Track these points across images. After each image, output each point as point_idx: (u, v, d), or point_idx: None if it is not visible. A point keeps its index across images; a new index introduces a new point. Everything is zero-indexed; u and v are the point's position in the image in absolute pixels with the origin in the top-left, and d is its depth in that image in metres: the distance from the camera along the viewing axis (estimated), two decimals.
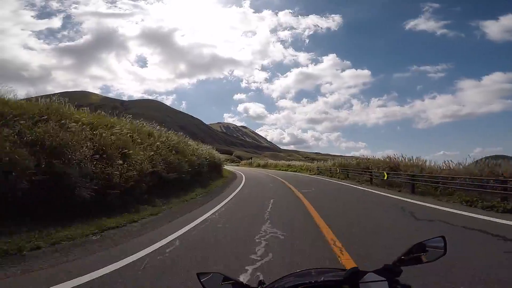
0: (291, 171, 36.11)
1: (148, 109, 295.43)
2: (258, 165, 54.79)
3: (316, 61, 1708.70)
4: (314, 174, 27.95)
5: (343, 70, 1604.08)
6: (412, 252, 1.04)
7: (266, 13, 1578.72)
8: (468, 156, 12.37)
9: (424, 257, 1.04)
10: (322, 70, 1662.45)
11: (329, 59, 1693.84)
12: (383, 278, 0.94)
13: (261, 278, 1.29)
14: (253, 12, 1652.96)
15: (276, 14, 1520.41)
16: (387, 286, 0.92)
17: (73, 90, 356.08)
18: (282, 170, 38.66)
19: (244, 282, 1.21)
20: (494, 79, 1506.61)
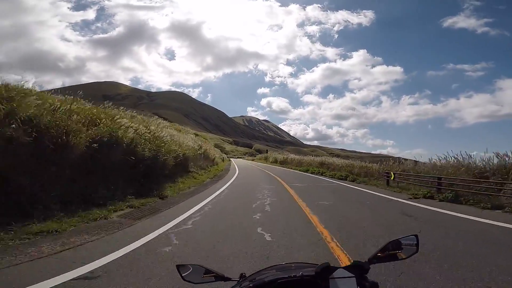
0: (329, 175, 19.32)
1: (173, 101, 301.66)
2: (275, 161, 40.54)
3: (345, 57, 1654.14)
4: (413, 196, 9.89)
5: (373, 66, 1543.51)
6: (388, 249, 1.09)
7: (294, 7, 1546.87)
8: None
9: (399, 254, 1.09)
10: (351, 66, 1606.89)
11: (359, 55, 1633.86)
12: (352, 275, 0.96)
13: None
14: (280, 6, 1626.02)
15: (304, 8, 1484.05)
16: (355, 282, 0.95)
17: (104, 80, 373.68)
18: (312, 172, 22.77)
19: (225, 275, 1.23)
20: None
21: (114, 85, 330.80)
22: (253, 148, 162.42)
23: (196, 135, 39.45)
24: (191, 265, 1.24)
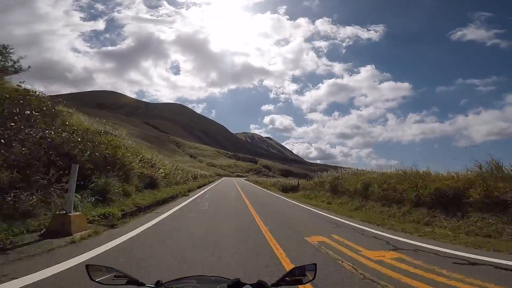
0: None
1: (171, 113, 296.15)
2: None
3: (352, 72, 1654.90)
4: None
5: (381, 82, 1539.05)
6: (294, 275, 1.28)
7: (302, 20, 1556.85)
8: None
9: (303, 279, 1.29)
10: (358, 82, 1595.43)
11: (367, 70, 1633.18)
12: None
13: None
14: (288, 19, 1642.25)
15: (313, 22, 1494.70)
16: None
17: (102, 90, 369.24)
18: None
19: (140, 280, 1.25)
20: None
21: (112, 95, 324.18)
22: (258, 163, 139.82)
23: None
24: (103, 266, 1.26)
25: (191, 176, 26.47)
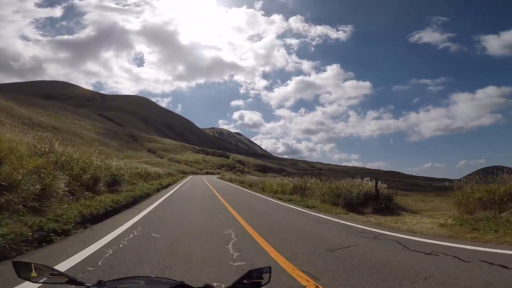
0: None
1: (131, 105, 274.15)
2: None
3: (319, 70, 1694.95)
4: None
5: (345, 81, 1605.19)
6: (252, 277, 1.22)
7: (277, 17, 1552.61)
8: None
9: (261, 281, 1.24)
10: (324, 80, 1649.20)
11: (333, 69, 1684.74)
12: None
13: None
14: (263, 15, 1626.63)
15: (287, 19, 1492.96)
16: None
17: (52, 80, 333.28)
18: None
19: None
20: (488, 93, 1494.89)
21: (64, 86, 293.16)
22: (230, 158, 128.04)
23: None
24: (35, 263, 1.16)
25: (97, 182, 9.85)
